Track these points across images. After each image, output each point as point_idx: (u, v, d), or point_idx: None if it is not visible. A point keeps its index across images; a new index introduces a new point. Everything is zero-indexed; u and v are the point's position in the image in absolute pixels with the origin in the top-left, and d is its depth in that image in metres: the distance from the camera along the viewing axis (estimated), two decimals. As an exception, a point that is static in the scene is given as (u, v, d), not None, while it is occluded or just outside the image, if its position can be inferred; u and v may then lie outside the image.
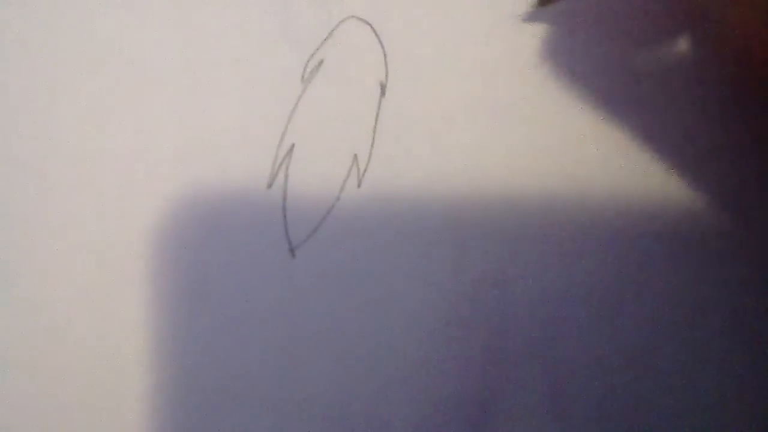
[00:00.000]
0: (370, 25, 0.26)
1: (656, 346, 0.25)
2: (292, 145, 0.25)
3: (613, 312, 0.25)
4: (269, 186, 0.25)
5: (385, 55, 0.25)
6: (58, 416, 0.25)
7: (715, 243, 0.25)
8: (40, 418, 0.24)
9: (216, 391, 0.25)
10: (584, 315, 0.25)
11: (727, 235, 0.25)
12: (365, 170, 0.25)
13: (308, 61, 0.26)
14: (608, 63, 0.25)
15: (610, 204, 0.25)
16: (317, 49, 0.26)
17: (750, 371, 0.25)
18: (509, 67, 0.25)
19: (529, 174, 0.25)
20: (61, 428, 0.24)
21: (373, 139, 0.25)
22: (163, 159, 0.25)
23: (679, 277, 0.25)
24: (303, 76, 0.25)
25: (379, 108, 0.25)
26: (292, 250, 0.25)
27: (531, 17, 0.25)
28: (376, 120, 0.25)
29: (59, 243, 0.25)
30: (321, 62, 0.26)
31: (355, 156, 0.25)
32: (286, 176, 0.25)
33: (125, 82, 0.25)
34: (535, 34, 0.26)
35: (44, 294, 0.25)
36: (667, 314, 0.25)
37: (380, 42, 0.26)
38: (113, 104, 0.25)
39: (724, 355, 0.25)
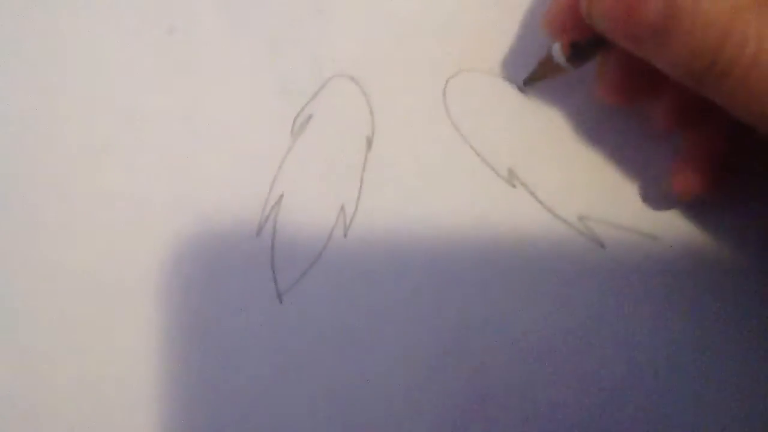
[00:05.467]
0: (357, 83, 0.27)
1: (639, 391, 0.26)
2: (281, 195, 0.26)
3: (594, 353, 0.26)
4: (258, 234, 0.26)
5: (371, 112, 0.27)
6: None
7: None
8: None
9: (209, 425, 0.25)
10: (565, 357, 0.26)
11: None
12: (351, 220, 0.26)
13: (298, 116, 0.27)
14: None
15: (588, 251, 0.26)
16: (307, 104, 0.27)
17: None
18: (490, 120, 0.27)
19: (509, 222, 0.26)
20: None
21: (360, 190, 0.26)
22: (154, 208, 0.26)
23: (667, 319, 0.26)
24: (293, 130, 0.27)
25: (365, 161, 0.27)
26: (279, 296, 0.26)
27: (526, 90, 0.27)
28: (363, 172, 0.26)
29: (53, 287, 0.26)
30: (310, 117, 0.27)
31: (342, 207, 0.26)
32: (275, 225, 0.26)
33: (120, 130, 0.26)
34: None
35: (42, 339, 0.25)
36: (646, 354, 0.26)
37: (367, 99, 0.27)
38: (106, 151, 0.26)
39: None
